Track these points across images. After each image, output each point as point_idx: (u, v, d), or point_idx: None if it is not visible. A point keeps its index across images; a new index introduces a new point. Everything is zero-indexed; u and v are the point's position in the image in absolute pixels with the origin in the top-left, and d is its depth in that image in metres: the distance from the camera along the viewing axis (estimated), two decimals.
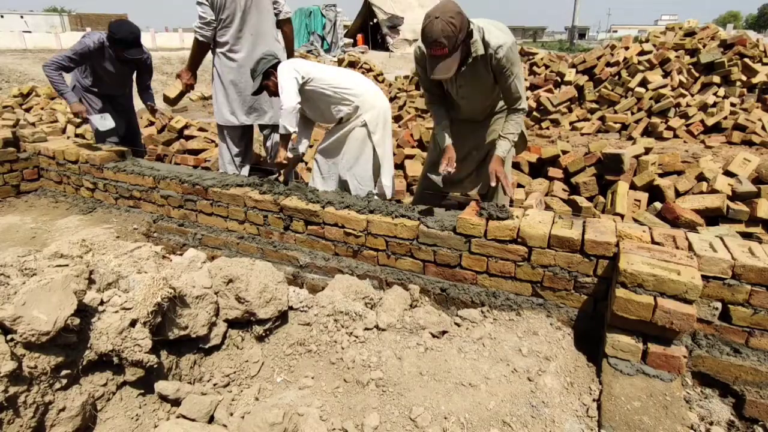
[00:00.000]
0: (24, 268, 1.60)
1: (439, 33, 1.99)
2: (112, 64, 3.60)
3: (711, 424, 1.70)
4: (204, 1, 3.20)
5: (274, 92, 2.92)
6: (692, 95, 6.60)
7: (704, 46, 7.13)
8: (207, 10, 3.23)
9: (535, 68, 8.05)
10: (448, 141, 2.45)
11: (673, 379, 1.65)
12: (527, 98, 2.35)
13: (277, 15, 3.50)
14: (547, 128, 6.91)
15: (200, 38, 3.33)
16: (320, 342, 1.96)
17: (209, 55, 3.55)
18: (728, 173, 3.53)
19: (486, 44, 2.16)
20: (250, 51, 3.36)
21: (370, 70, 10.17)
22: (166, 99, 3.76)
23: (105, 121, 3.60)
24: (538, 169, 4.21)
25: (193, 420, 1.54)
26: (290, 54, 3.66)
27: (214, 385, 1.81)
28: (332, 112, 2.95)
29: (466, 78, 2.32)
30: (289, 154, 2.97)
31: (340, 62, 10.31)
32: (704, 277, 1.72)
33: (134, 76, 3.92)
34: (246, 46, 3.37)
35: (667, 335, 1.64)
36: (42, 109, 7.31)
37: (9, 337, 1.39)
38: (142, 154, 4.14)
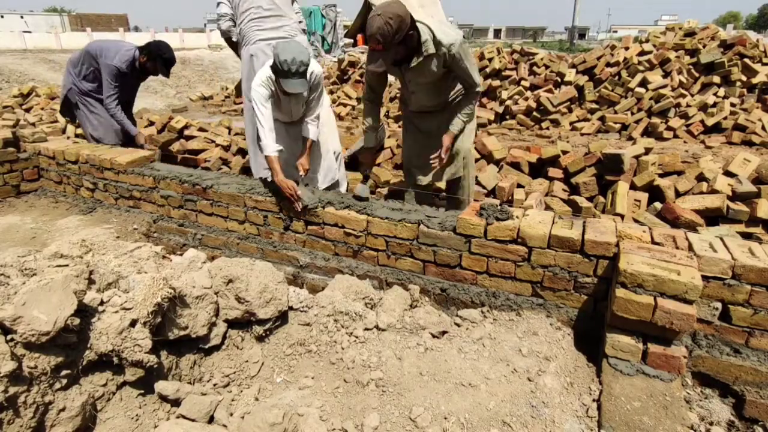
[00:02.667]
0: (24, 268, 1.60)
1: (376, 30, 2.18)
2: (133, 79, 3.78)
3: (711, 424, 1.70)
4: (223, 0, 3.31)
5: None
6: (692, 95, 6.60)
7: (704, 47, 7.13)
8: (223, 7, 3.34)
9: (535, 68, 8.04)
10: (370, 143, 2.79)
11: (673, 380, 1.65)
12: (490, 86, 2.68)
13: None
14: (547, 128, 6.91)
15: (220, 33, 3.46)
16: (320, 342, 1.96)
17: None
18: (728, 173, 3.53)
19: (438, 43, 2.35)
20: (275, 32, 3.42)
21: None
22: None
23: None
24: (538, 169, 4.21)
25: (193, 420, 1.54)
26: None
27: (214, 385, 1.81)
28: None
29: (416, 73, 2.51)
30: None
31: (340, 62, 10.29)
32: (704, 278, 1.72)
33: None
34: (273, 31, 3.43)
35: (667, 335, 1.64)
36: (42, 109, 7.31)
37: (9, 337, 1.39)
38: None
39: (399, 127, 6.46)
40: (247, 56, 3.37)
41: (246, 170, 4.15)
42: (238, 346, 1.94)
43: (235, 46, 3.55)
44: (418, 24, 2.35)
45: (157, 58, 3.57)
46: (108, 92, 3.59)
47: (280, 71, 2.60)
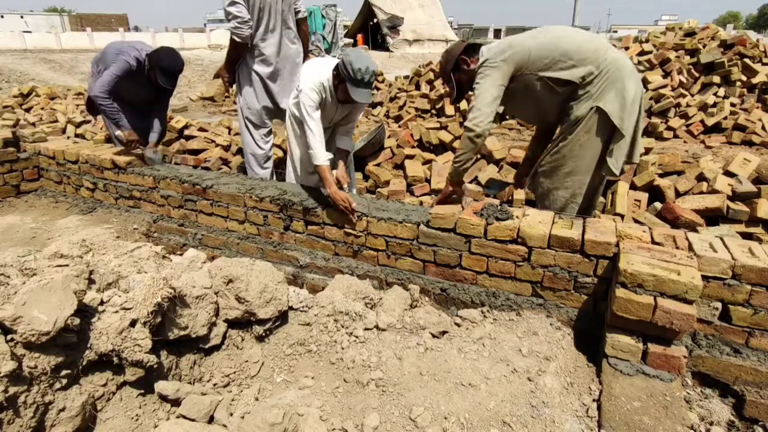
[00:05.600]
0: (24, 268, 1.60)
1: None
2: (139, 84, 3.46)
3: (711, 424, 1.70)
4: (239, 1, 3.18)
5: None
6: (692, 95, 6.60)
7: (704, 47, 7.12)
8: (242, 9, 3.20)
9: None
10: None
11: (673, 379, 1.65)
12: (481, 117, 2.28)
13: (297, 13, 3.55)
14: None
15: (238, 39, 3.29)
16: (320, 342, 1.96)
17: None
18: (728, 173, 3.53)
19: None
20: (278, 45, 3.47)
21: None
22: (209, 98, 3.85)
23: (155, 156, 3.49)
24: None
25: (193, 420, 1.54)
26: (306, 52, 3.74)
27: (214, 385, 1.81)
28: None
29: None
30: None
31: None
32: (704, 277, 1.72)
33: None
34: (275, 40, 3.46)
35: (667, 335, 1.64)
36: (42, 109, 7.31)
37: (9, 337, 1.39)
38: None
39: (399, 127, 6.45)
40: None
41: (244, 170, 4.15)
42: (238, 346, 1.94)
43: (242, 53, 3.43)
44: None
45: (154, 68, 3.30)
46: (103, 79, 3.25)
47: (352, 79, 2.51)
